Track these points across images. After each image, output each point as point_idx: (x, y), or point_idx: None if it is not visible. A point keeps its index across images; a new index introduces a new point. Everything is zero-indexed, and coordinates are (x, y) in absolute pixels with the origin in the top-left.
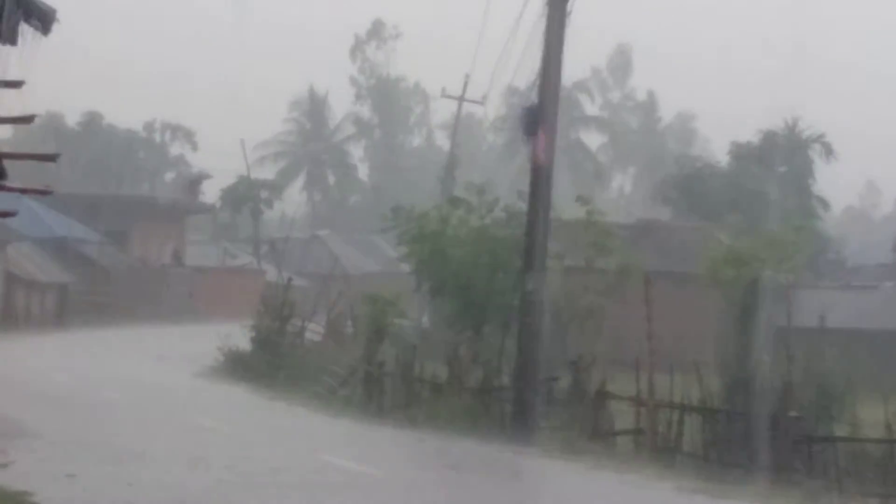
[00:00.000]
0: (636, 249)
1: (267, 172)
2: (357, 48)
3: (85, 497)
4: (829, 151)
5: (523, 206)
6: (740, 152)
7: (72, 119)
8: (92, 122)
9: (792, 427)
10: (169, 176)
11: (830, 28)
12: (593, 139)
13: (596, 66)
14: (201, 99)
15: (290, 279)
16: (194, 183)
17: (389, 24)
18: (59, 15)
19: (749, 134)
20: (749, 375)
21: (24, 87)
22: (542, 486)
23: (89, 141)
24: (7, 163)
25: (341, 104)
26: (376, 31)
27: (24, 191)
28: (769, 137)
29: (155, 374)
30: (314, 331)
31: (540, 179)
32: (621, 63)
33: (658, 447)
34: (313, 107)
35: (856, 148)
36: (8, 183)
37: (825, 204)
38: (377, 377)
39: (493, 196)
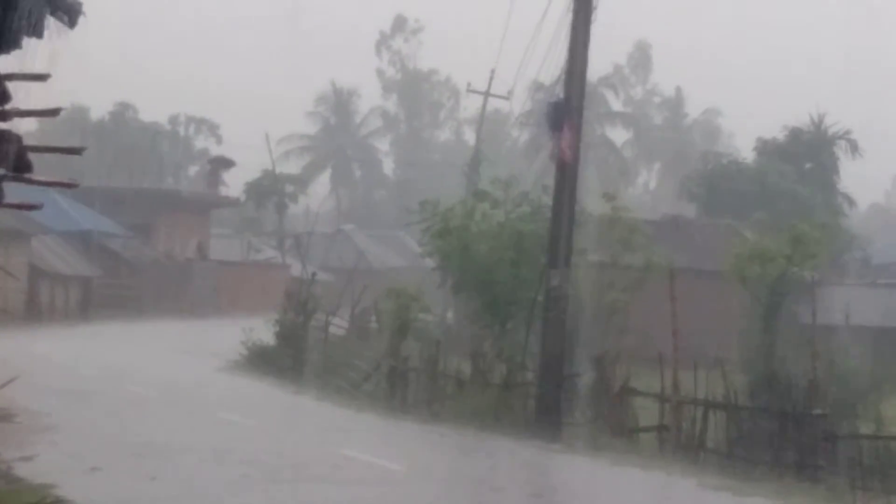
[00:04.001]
0: (661, 246)
1: (292, 167)
2: (382, 43)
3: (108, 490)
4: (854, 148)
5: (548, 201)
6: (766, 149)
7: (97, 112)
8: (123, 112)
9: (816, 424)
10: (193, 169)
11: (858, 25)
12: (619, 135)
13: (617, 62)
14: (226, 94)
15: (314, 274)
16: (216, 164)
17: (411, 18)
18: (84, 8)
19: (775, 130)
20: (773, 372)
21: (50, 81)
22: (565, 481)
23: (114, 134)
24: (32, 156)
25: (366, 100)
26: (399, 26)
27: (49, 184)
28: (795, 134)
29: (178, 368)
30: (338, 325)
31: (565, 175)
32: (641, 60)
33: (682, 444)
34: (338, 101)
35: (882, 145)
36: (33, 176)
37: (851, 201)
38: (401, 372)
39: (520, 190)
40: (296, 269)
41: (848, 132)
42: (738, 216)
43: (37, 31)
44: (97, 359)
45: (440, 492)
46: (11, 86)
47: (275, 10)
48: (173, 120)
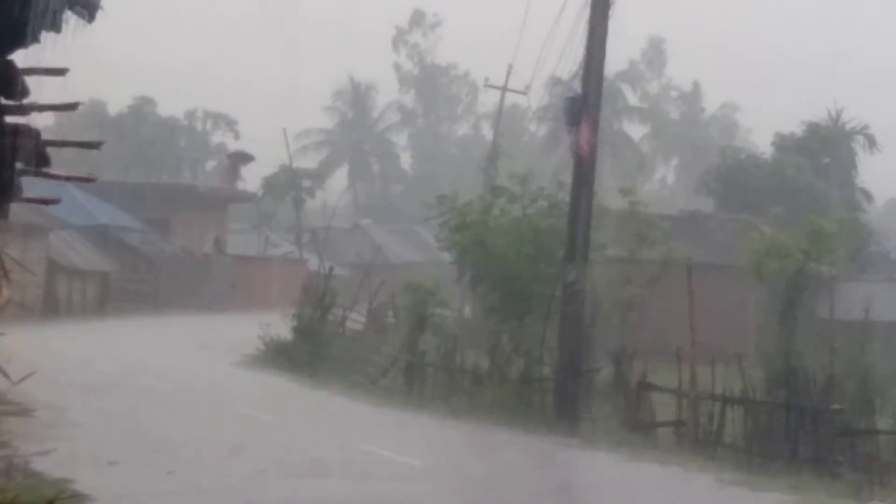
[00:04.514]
0: (679, 241)
1: (309, 161)
2: (399, 38)
3: (126, 484)
4: (872, 143)
5: (565, 196)
6: (784, 144)
7: (115, 107)
8: (142, 107)
9: (834, 420)
10: (210, 164)
11: (875, 22)
12: (636, 130)
13: (632, 58)
14: (243, 89)
15: (331, 268)
16: (234, 159)
17: (430, 12)
18: (103, 2)
19: (793, 125)
20: (791, 368)
21: (68, 75)
22: (583, 476)
23: (132, 129)
24: (50, 150)
25: (383, 95)
26: (417, 20)
27: (67, 178)
28: (813, 129)
29: (196, 363)
30: (356, 320)
31: (583, 170)
32: (655, 55)
33: (699, 439)
34: (356, 96)
35: None
36: (51, 170)
37: (868, 196)
38: (418, 367)
39: (537, 186)
40: (313, 263)
41: (865, 127)
42: (756, 211)
43: (55, 26)
44: (115, 353)
45: (459, 487)
46: (30, 80)
47: (291, 5)
48: (190, 115)
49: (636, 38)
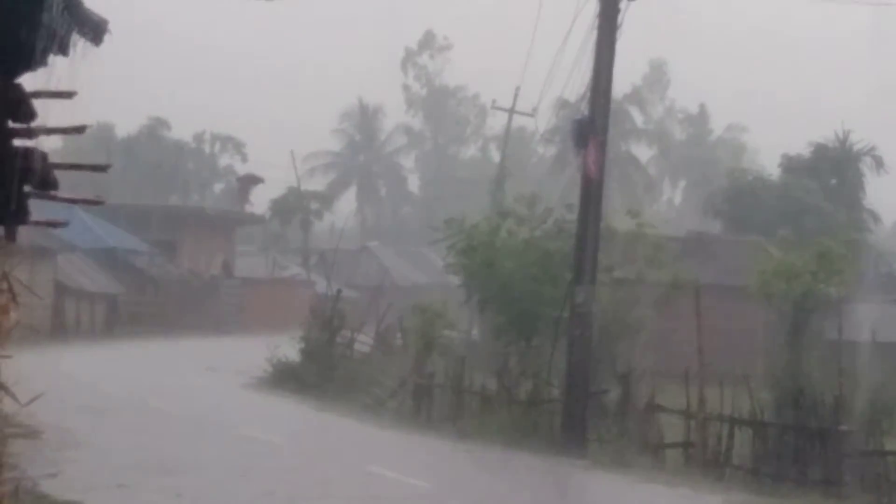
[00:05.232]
0: (686, 262)
1: (317, 184)
2: (408, 59)
3: None
4: (879, 164)
5: (572, 218)
6: (791, 165)
7: (122, 130)
8: (157, 127)
9: (842, 441)
10: (218, 187)
11: (880, 39)
12: (643, 152)
13: (635, 82)
14: (251, 111)
15: (339, 291)
16: (244, 182)
17: (440, 35)
18: (110, 27)
19: (800, 147)
20: (800, 389)
21: (75, 98)
22: (591, 498)
23: (141, 152)
24: (58, 173)
25: (391, 117)
26: (427, 42)
27: (74, 201)
28: (820, 151)
29: (204, 385)
30: (363, 342)
31: (590, 192)
32: (658, 77)
33: (708, 460)
34: (363, 118)
35: None
36: (59, 193)
37: (876, 217)
38: (426, 389)
39: (544, 207)
40: (321, 286)
41: (873, 148)
42: (764, 233)
43: (62, 49)
44: (123, 376)
45: None
46: (37, 103)
47: (297, 29)
48: (198, 137)
49: (638, 62)
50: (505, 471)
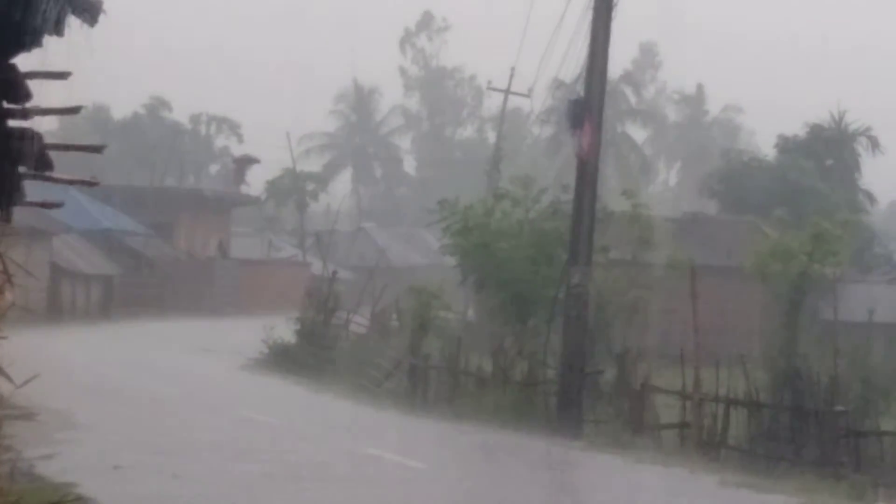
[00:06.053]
0: (682, 243)
1: (313, 165)
2: (406, 40)
3: (130, 488)
4: (875, 145)
5: (568, 198)
6: (787, 146)
7: (118, 111)
8: (157, 107)
9: (838, 421)
10: (214, 168)
11: (877, 20)
12: (639, 132)
13: (625, 66)
14: (247, 92)
15: (335, 272)
16: (241, 163)
17: (439, 16)
18: (105, 6)
19: (796, 127)
20: (795, 369)
21: (71, 79)
22: (587, 478)
23: (137, 133)
24: (53, 154)
25: (387, 98)
26: (426, 23)
27: (70, 182)
28: (816, 131)
29: (200, 367)
30: (359, 323)
31: (585, 172)
32: (647, 60)
33: (703, 441)
34: (359, 99)
35: None
36: (54, 174)
37: (872, 198)
38: (422, 370)
39: (539, 188)
40: (317, 267)
41: (868, 129)
42: (759, 213)
43: (58, 30)
44: (119, 357)
45: (463, 490)
46: (32, 84)
47: (295, 8)
48: (195, 119)
49: (629, 46)
50: (500, 451)
